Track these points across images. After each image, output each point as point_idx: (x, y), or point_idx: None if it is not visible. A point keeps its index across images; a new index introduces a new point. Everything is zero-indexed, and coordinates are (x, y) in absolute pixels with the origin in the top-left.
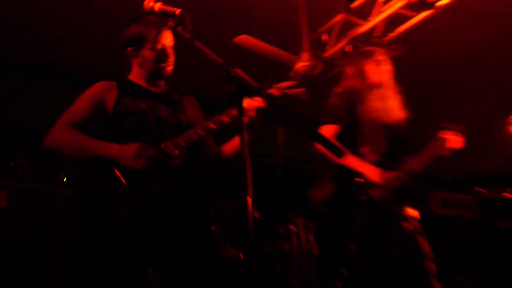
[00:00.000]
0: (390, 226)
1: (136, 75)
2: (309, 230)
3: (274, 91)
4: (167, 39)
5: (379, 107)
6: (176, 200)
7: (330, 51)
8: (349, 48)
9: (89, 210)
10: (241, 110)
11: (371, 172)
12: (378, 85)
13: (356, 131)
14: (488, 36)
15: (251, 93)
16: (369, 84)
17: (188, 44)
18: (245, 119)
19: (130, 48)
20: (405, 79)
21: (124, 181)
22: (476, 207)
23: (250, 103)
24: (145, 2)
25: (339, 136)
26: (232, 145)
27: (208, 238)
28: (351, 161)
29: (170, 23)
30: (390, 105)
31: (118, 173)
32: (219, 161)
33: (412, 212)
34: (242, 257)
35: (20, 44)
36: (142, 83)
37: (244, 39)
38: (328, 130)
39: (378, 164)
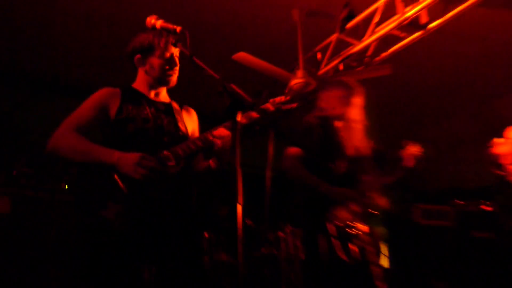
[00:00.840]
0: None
1: (140, 83)
2: (296, 236)
3: (268, 105)
4: (175, 49)
5: (345, 136)
6: (172, 206)
7: (324, 69)
8: (341, 67)
9: (87, 213)
10: (235, 123)
11: (333, 192)
12: (347, 115)
13: (320, 154)
14: (475, 59)
15: (245, 108)
16: (339, 113)
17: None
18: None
19: (138, 56)
20: (395, 97)
21: (122, 186)
22: (454, 218)
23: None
24: (147, 20)
25: (304, 158)
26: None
27: (201, 243)
28: (316, 182)
29: (170, 39)
30: (354, 136)
31: (117, 178)
32: (208, 173)
33: (362, 227)
34: (233, 261)
35: (23, 57)
36: (145, 91)
37: (242, 56)
38: (294, 151)
39: (338, 185)
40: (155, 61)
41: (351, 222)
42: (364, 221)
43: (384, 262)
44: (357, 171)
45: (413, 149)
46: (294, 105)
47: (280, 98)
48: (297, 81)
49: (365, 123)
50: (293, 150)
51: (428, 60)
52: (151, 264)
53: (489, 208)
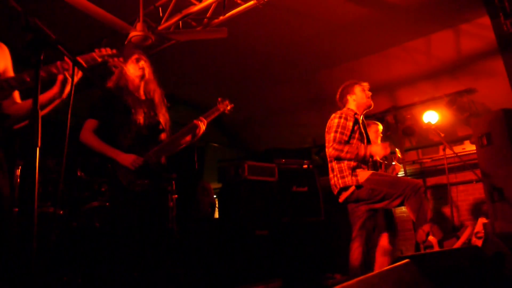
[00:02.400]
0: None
1: None
2: None
3: (94, 55)
4: None
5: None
6: None
7: (164, 25)
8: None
9: None
10: (39, 61)
11: (119, 156)
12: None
13: (113, 123)
14: (301, 33)
15: (49, 45)
16: (127, 84)
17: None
18: (61, 76)
19: None
20: (227, 60)
21: None
22: (277, 174)
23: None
24: None
25: (99, 129)
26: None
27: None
28: (106, 149)
29: None
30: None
31: None
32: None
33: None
34: (62, 213)
35: None
36: None
37: None
38: (91, 124)
39: (130, 148)
40: None
41: (135, 180)
42: (151, 179)
43: (216, 213)
44: (151, 136)
45: (224, 106)
46: (121, 58)
47: (109, 50)
48: (136, 33)
49: (162, 95)
50: (91, 122)
51: (265, 29)
52: None
53: (306, 167)
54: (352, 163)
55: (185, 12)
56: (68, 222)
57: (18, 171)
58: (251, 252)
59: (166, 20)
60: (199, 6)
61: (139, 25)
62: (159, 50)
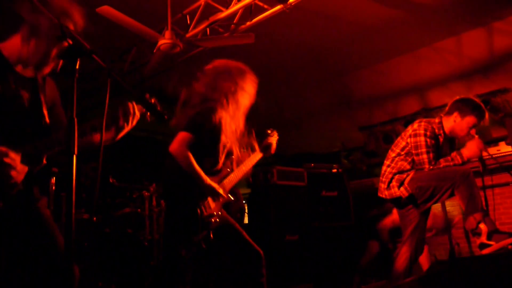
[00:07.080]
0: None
1: (11, 49)
2: (160, 195)
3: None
4: None
5: (228, 126)
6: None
7: (192, 32)
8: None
9: None
10: (74, 70)
11: (209, 187)
12: (237, 105)
13: (204, 142)
14: (328, 36)
15: (84, 54)
16: (226, 101)
17: None
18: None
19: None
20: (254, 65)
21: None
22: (306, 179)
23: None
24: None
25: (193, 144)
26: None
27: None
28: (198, 175)
29: None
30: (236, 127)
31: None
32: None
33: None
34: (95, 219)
35: None
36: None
37: (106, 10)
38: (187, 138)
39: (213, 174)
40: (42, 44)
41: (216, 212)
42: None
43: (245, 219)
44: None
45: (274, 138)
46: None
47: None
48: (164, 41)
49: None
50: (186, 135)
51: (292, 33)
52: None
53: (336, 171)
54: (402, 176)
55: (212, 19)
56: (101, 228)
57: (53, 179)
58: (281, 258)
59: (194, 28)
60: (226, 13)
61: (167, 33)
62: (187, 57)
